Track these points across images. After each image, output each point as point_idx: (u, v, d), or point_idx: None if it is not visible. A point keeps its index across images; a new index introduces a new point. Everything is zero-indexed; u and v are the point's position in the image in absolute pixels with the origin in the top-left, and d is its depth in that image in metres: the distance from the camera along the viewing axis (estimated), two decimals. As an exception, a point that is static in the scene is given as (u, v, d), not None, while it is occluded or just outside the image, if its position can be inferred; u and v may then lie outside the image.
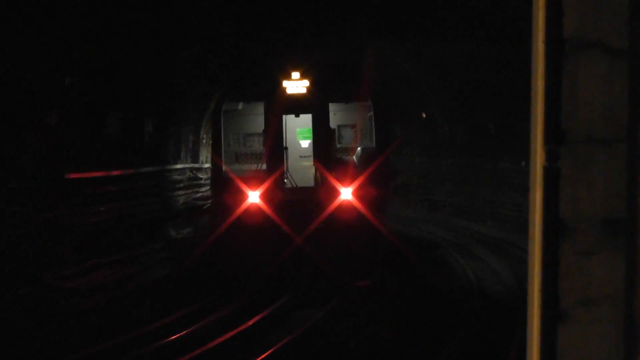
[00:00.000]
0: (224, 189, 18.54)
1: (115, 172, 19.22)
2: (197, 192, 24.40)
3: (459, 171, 32.41)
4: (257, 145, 21.15)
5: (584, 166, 2.12)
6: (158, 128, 21.66)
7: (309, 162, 19.54)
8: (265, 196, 18.11)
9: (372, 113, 20.23)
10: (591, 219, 2.11)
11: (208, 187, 25.07)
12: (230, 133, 20.86)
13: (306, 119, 19.76)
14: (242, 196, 18.11)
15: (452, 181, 33.26)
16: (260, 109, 20.42)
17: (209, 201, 25.95)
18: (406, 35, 23.37)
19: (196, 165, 24.77)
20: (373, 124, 19.98)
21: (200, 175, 24.80)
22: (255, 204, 18.12)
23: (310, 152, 19.62)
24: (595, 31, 2.10)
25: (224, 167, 19.33)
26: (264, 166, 18.97)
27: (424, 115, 34.41)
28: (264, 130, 19.59)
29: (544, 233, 2.17)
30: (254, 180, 18.31)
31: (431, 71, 28.79)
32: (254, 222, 18.19)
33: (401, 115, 35.15)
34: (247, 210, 18.19)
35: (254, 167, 19.81)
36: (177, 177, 22.83)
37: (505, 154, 28.02)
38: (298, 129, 20.16)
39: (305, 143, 20.26)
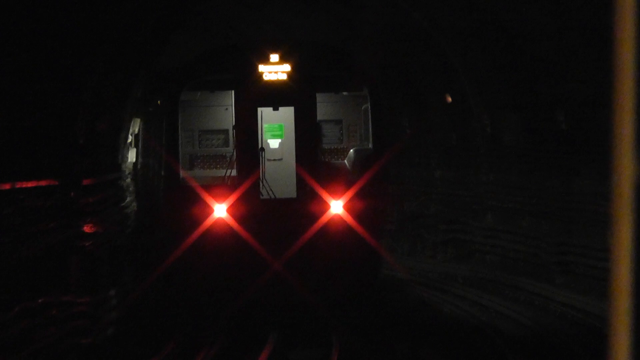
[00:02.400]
0: (182, 200, 21.63)
1: None
2: (72, 225, 24.34)
3: (506, 193, 32.19)
4: (219, 145, 24.79)
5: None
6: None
7: (289, 167, 22.37)
8: (234, 210, 21.38)
9: (368, 105, 23.21)
10: None
11: (91, 218, 26.36)
12: (181, 130, 23.86)
13: (277, 113, 22.93)
14: (206, 210, 21.43)
15: (495, 211, 33.00)
16: (223, 99, 24.12)
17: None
18: None
19: (75, 181, 24.59)
20: (370, 119, 23.24)
21: (80, 199, 24.85)
22: (222, 220, 21.41)
23: (281, 155, 23.40)
24: None
25: (181, 173, 22.54)
26: (234, 172, 22.14)
27: (449, 100, 34.29)
28: (234, 127, 23.04)
29: (635, 289, 2.17)
30: (221, 189, 21.65)
31: (460, 22, 28.65)
32: (219, 243, 21.39)
33: (410, 99, 35.05)
34: (212, 228, 21.47)
35: (219, 172, 23.16)
36: (33, 202, 22.54)
37: (584, 165, 27.49)
38: (266, 125, 23.35)
39: (275, 143, 23.75)
